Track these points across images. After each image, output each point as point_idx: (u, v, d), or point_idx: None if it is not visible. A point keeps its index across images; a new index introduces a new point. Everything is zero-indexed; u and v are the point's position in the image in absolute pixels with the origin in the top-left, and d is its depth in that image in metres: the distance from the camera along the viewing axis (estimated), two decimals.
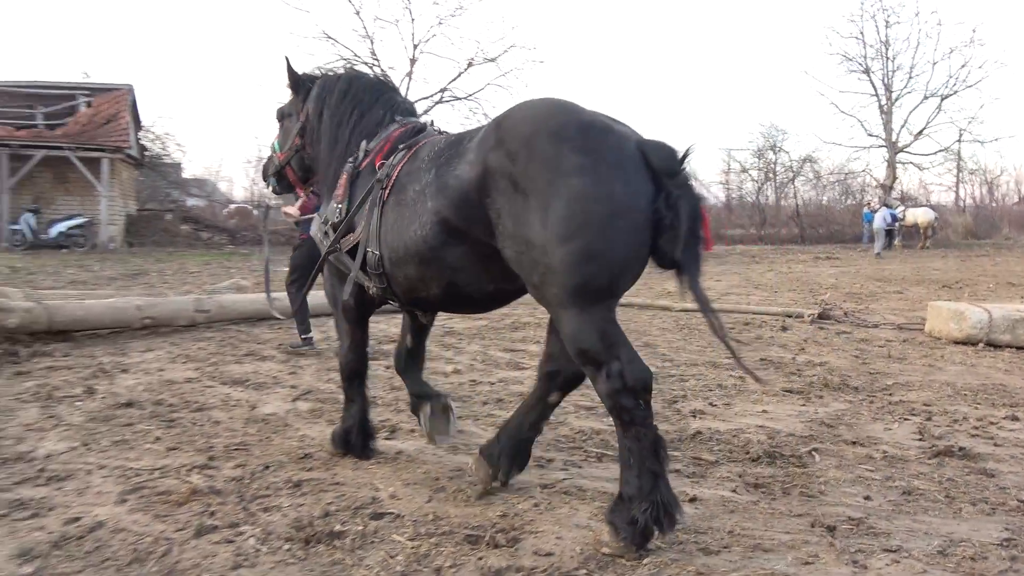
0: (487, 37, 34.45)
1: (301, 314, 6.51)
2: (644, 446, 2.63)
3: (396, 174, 3.29)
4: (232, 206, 37.43)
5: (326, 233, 3.62)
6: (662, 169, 2.64)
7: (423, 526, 2.88)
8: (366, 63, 27.54)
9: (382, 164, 3.40)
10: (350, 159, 3.62)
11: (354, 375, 3.79)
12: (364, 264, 3.36)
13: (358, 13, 27.17)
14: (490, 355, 6.49)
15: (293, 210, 5.92)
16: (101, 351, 6.32)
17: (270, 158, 4.30)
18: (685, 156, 2.71)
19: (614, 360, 2.64)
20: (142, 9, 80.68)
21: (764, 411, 4.71)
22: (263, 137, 47.92)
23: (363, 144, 3.64)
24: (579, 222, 2.56)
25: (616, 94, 73.02)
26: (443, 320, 8.42)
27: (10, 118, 24.47)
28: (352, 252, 3.43)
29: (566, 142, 2.64)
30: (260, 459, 3.69)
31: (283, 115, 4.24)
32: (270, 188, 4.34)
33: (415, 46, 27.96)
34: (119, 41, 75.26)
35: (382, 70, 27.41)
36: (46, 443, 3.91)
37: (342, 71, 4.08)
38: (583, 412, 4.64)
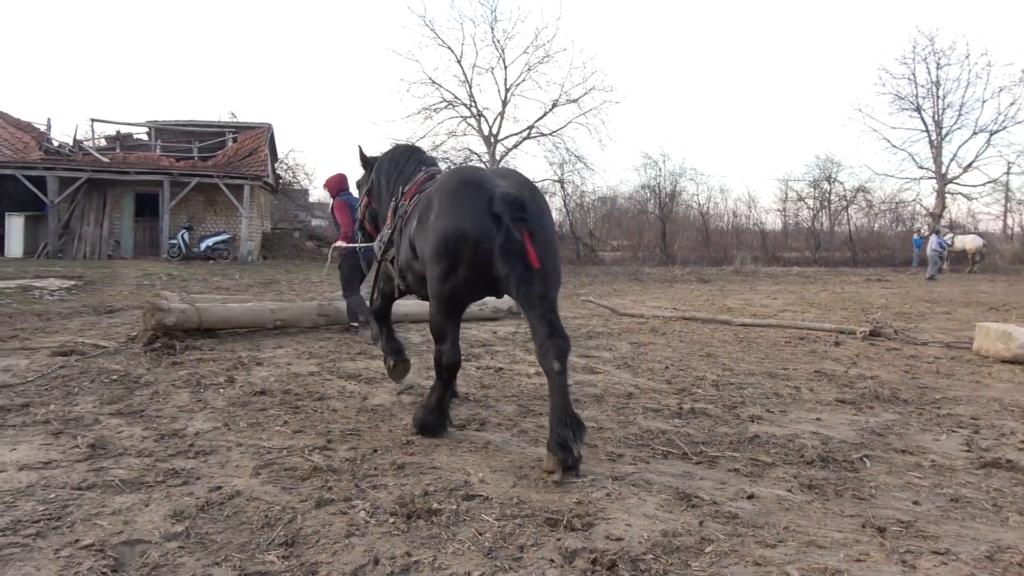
0: (570, 81, 34.34)
1: (353, 307, 7.57)
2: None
3: (410, 211, 4.08)
4: None
5: (381, 249, 4.46)
6: (500, 211, 3.36)
7: (508, 508, 2.88)
8: (464, 104, 28.05)
9: (406, 202, 4.24)
10: (393, 199, 4.44)
11: (392, 350, 4.80)
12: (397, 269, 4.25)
13: (459, 61, 27.69)
14: (569, 360, 6.44)
15: (339, 244, 6.70)
16: (240, 347, 6.59)
17: (354, 217, 5.28)
18: (518, 200, 3.40)
19: (439, 341, 3.81)
20: (281, 58, 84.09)
21: (818, 419, 4.53)
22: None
23: (400, 188, 4.41)
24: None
25: (687, 127, 71.91)
26: (526, 328, 8.43)
27: (172, 151, 25.94)
28: (394, 262, 4.30)
29: (439, 191, 3.69)
30: (370, 443, 3.77)
31: (359, 186, 5.11)
32: (359, 239, 5.18)
33: (507, 89, 28.28)
34: (262, 85, 78.62)
35: (478, 110, 27.83)
36: (195, 422, 4.09)
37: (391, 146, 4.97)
38: (650, 413, 4.57)
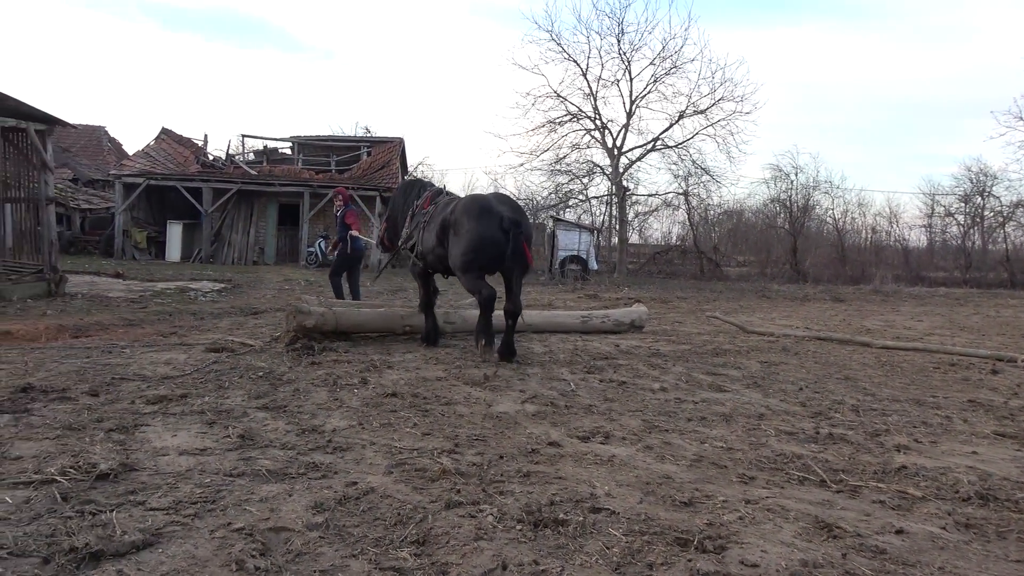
0: (698, 92, 33.59)
1: (334, 287, 9.94)
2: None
3: (431, 215, 6.96)
4: None
5: (404, 241, 7.43)
6: (508, 228, 6.24)
7: (636, 524, 2.82)
8: (589, 116, 28.04)
9: (424, 210, 7.16)
10: (410, 210, 7.38)
11: (426, 306, 7.42)
12: (417, 253, 7.16)
13: (584, 74, 27.69)
14: (694, 376, 6.28)
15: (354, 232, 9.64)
16: (372, 350, 6.87)
17: (380, 238, 8.26)
18: (516, 221, 6.29)
19: (478, 293, 6.38)
20: (413, 74, 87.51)
21: (974, 452, 4.15)
22: (499, 179, 49.82)
23: (415, 203, 7.36)
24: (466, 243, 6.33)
25: (822, 138, 68.40)
26: (651, 342, 8.30)
27: (313, 164, 27.57)
28: (411, 249, 7.27)
29: (467, 213, 6.39)
30: (495, 450, 3.81)
31: (380, 215, 7.33)
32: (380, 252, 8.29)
33: (632, 101, 27.97)
34: (395, 99, 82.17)
35: (603, 122, 27.72)
36: (332, 420, 4.30)
37: (402, 182, 7.99)
38: (784, 436, 4.35)
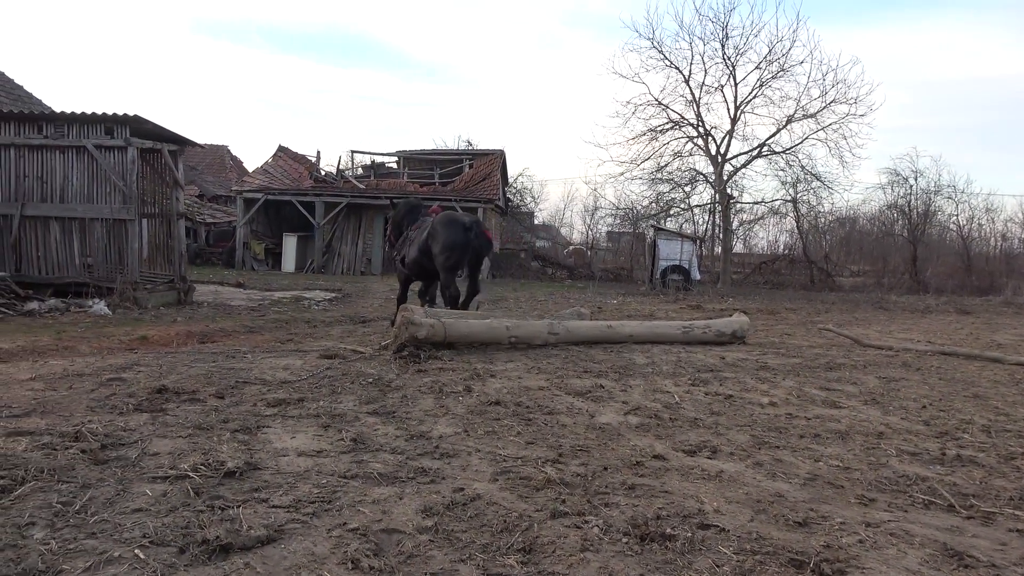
0: (807, 95, 32.25)
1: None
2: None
3: (415, 234, 8.98)
4: (571, 247, 39.43)
5: (398, 254, 9.47)
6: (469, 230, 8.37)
7: (747, 543, 2.74)
8: (691, 124, 27.50)
9: (412, 231, 9.17)
10: (406, 230, 9.41)
11: (400, 300, 9.56)
12: (403, 262, 9.22)
13: (687, 81, 27.17)
14: (805, 391, 6.02)
15: None
16: (475, 359, 6.98)
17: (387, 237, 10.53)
18: (475, 226, 8.47)
19: (447, 289, 8.48)
20: (513, 87, 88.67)
21: None
22: (599, 188, 49.41)
23: (407, 226, 9.45)
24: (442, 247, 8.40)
25: (944, 139, 64.15)
26: (758, 355, 8.03)
27: (417, 178, 28.41)
28: (403, 261, 9.22)
29: (440, 224, 8.52)
30: (599, 461, 3.79)
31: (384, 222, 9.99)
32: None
33: (737, 107, 27.22)
34: (495, 112, 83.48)
35: (706, 129, 27.14)
36: (439, 426, 4.40)
37: (403, 202, 10.11)
38: (906, 457, 4.10)
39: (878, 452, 4.17)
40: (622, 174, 29.08)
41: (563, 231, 48.00)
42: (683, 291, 21.83)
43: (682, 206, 30.63)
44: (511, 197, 35.98)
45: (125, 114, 11.68)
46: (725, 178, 27.61)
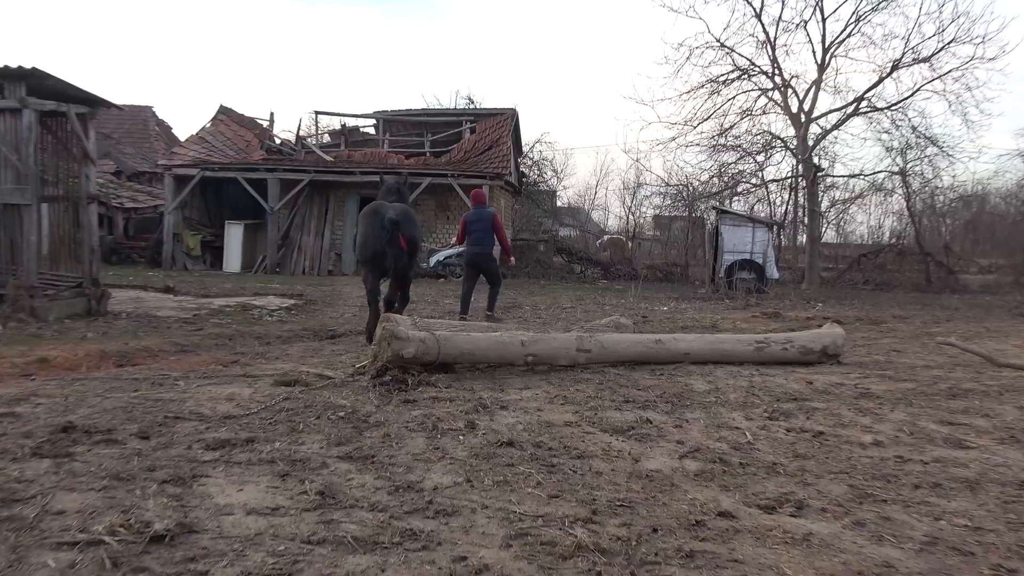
0: (918, 33, 31.98)
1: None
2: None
3: None
4: (605, 237, 39.50)
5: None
6: (387, 225, 9.38)
7: None
8: (764, 72, 27.45)
9: None
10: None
11: (371, 293, 9.89)
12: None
13: (758, 16, 27.09)
14: (920, 426, 5.99)
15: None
16: (480, 385, 6.99)
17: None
18: (393, 228, 9.37)
19: (364, 283, 10.13)
20: (524, 32, 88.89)
21: None
22: (643, 158, 49.64)
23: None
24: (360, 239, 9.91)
25: None
26: (857, 378, 8.00)
27: (402, 146, 28.53)
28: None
29: (361, 217, 10.05)
30: (646, 520, 3.78)
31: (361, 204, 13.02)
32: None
33: (825, 50, 27.15)
34: (504, 62, 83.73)
35: (784, 79, 27.10)
36: (432, 475, 4.40)
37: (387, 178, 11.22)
38: None
39: (1020, 507, 4.14)
40: (673, 139, 29.05)
41: (595, 216, 48.11)
42: (756, 294, 21.81)
43: (753, 181, 30.63)
44: (526, 171, 36.07)
45: (20, 67, 11.57)
46: (811, 143, 27.54)
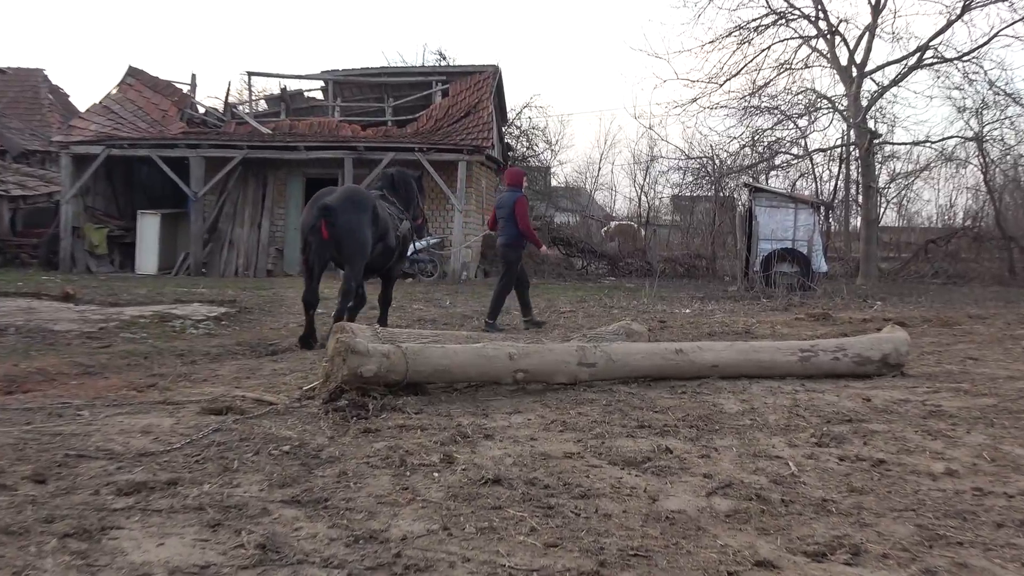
0: None
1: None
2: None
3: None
4: (612, 224, 39.52)
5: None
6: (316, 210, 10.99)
7: None
8: (807, 16, 27.54)
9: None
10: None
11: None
12: None
13: None
14: (1004, 452, 6.02)
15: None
16: (458, 409, 6.99)
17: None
18: (324, 214, 10.66)
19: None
20: None
21: None
22: (659, 124, 49.74)
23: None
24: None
25: None
26: (925, 393, 8.04)
27: (357, 113, 28.47)
28: None
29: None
30: (667, 573, 3.79)
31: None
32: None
33: None
34: (481, 11, 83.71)
35: (830, 24, 27.22)
36: (400, 521, 4.40)
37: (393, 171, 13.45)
38: None
39: None
40: (695, 101, 29.21)
41: (598, 197, 48.17)
42: (799, 291, 21.86)
43: (795, 151, 30.71)
44: (512, 143, 36.11)
45: None
46: (864, 104, 27.64)
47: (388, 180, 12.76)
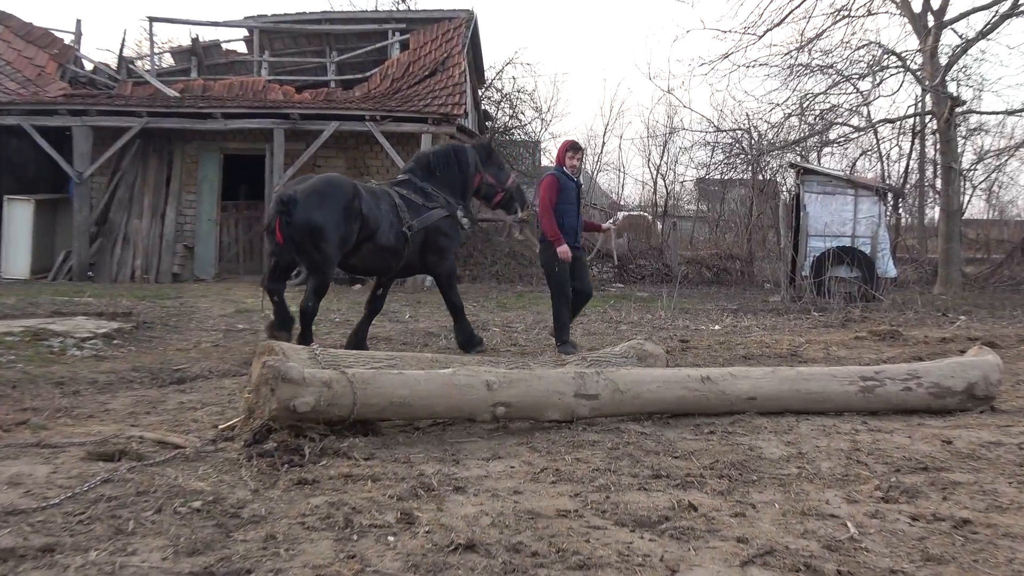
0: None
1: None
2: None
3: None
4: (620, 215, 39.47)
5: None
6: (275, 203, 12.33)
7: None
8: None
9: None
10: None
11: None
12: None
13: None
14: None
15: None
16: (421, 453, 6.97)
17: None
18: (282, 199, 11.69)
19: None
20: None
21: None
22: (681, 88, 49.96)
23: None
24: None
25: None
26: (1021, 434, 8.04)
27: (289, 71, 28.38)
28: None
29: None
30: None
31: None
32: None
33: None
34: None
35: None
36: None
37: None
38: None
39: None
40: (727, 57, 29.26)
41: (601, 181, 48.16)
42: (861, 302, 21.89)
43: (854, 122, 30.76)
44: (492, 110, 36.10)
45: None
46: (944, 62, 27.72)
47: (422, 162, 13.39)
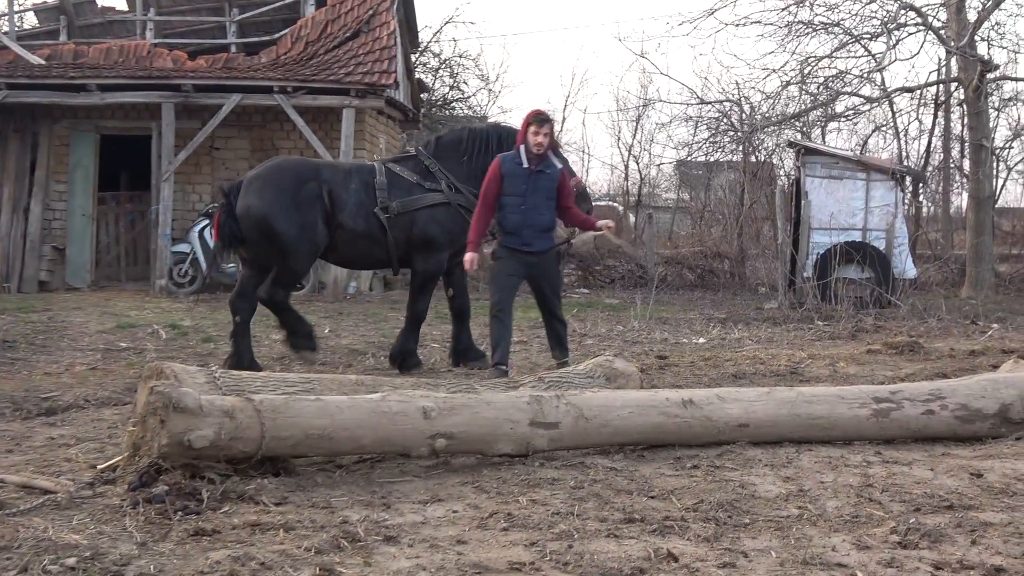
0: None
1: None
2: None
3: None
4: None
5: None
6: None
7: None
8: None
9: None
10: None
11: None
12: None
13: None
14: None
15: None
16: (344, 496, 6.98)
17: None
18: (224, 190, 13.04)
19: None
20: None
21: None
22: (652, 53, 50.19)
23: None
24: None
25: None
26: None
27: (182, 35, 28.28)
28: None
29: None
30: None
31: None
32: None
33: None
34: None
35: None
36: None
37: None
38: None
39: None
40: (711, 13, 29.34)
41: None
42: (874, 308, 21.99)
43: (865, 92, 30.94)
44: (427, 78, 36.09)
45: None
46: (973, 19, 27.92)
47: (451, 139, 13.86)
